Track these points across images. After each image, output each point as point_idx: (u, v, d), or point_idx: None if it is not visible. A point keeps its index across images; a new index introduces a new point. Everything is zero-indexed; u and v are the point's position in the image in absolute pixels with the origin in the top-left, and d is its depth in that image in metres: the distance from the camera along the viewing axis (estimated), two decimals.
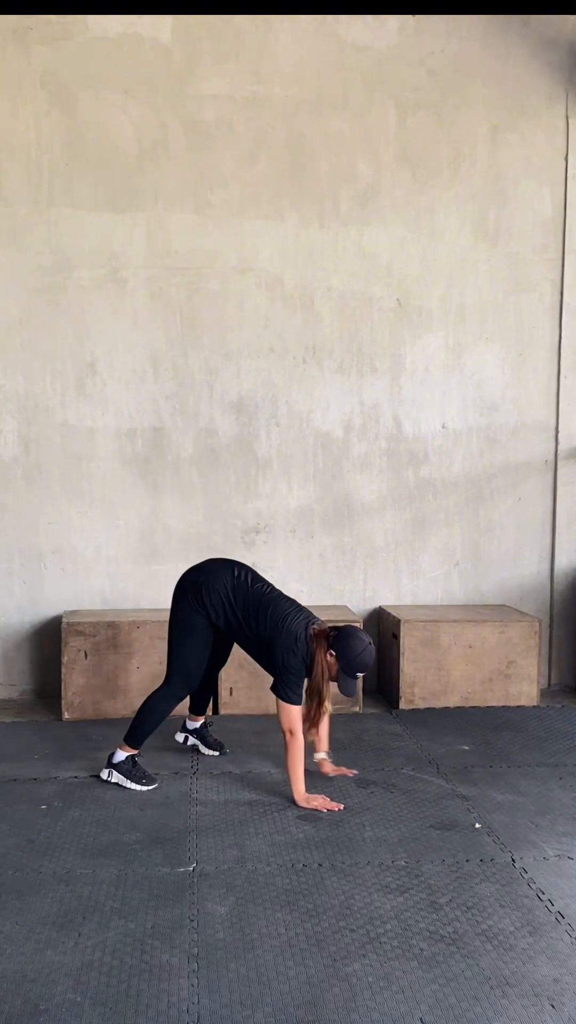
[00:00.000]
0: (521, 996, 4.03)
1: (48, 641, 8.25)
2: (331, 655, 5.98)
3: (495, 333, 8.69)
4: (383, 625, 8.50)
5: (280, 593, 6.35)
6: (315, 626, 6.10)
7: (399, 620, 8.05)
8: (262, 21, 8.21)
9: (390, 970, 4.20)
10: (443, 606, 8.71)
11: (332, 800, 6.01)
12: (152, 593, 8.38)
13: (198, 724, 7.00)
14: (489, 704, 8.10)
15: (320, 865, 5.19)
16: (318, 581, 8.61)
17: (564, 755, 6.99)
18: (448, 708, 8.01)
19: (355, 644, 5.96)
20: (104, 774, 6.36)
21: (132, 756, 6.36)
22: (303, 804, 5.97)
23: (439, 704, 8.03)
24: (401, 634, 7.98)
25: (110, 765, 6.35)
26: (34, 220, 8.08)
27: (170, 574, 8.28)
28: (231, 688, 7.84)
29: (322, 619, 6.26)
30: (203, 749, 6.92)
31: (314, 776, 6.40)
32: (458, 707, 8.04)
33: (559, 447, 8.79)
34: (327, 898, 4.83)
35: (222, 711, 7.81)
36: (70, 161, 8.08)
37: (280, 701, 6.04)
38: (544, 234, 8.66)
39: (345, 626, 6.11)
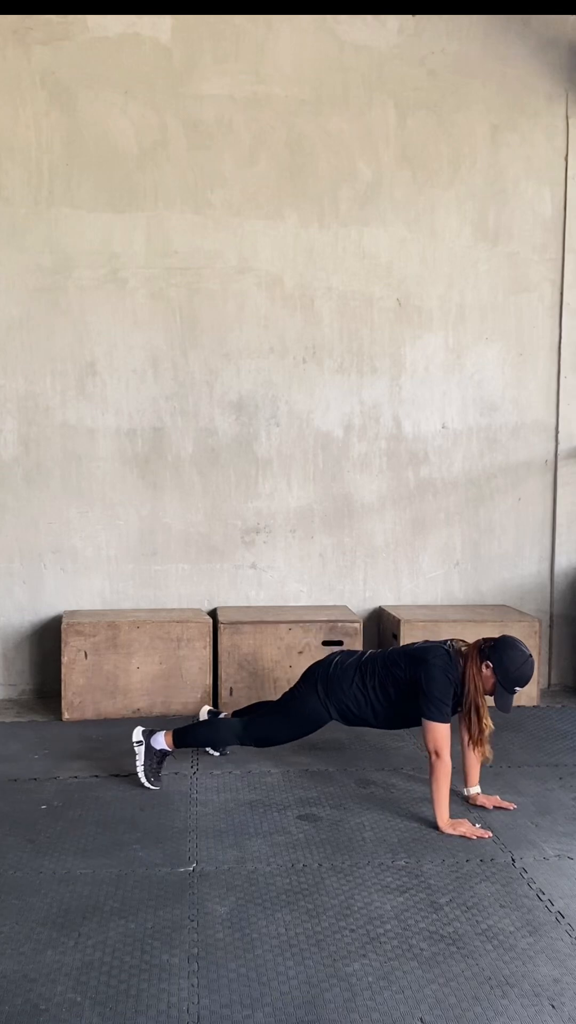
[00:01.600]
0: (521, 996, 4.04)
1: (48, 641, 8.24)
2: (487, 667, 5.69)
3: (495, 333, 8.69)
4: (383, 625, 8.50)
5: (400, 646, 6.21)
6: (462, 641, 5.90)
7: (399, 620, 8.05)
8: (262, 21, 8.20)
9: (390, 970, 4.20)
10: (443, 606, 8.71)
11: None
12: (152, 593, 8.38)
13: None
14: (490, 704, 8.07)
15: (320, 865, 5.20)
16: (318, 581, 8.61)
17: (564, 755, 7.00)
18: None
19: (516, 655, 5.68)
20: (137, 734, 6.23)
21: (166, 752, 6.26)
22: (448, 831, 5.62)
23: None
24: (401, 634, 7.97)
25: (147, 739, 6.23)
26: (34, 220, 8.08)
27: (170, 574, 8.37)
28: (231, 688, 7.84)
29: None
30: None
31: (313, 777, 6.41)
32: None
33: (559, 447, 8.79)
34: (327, 898, 4.84)
35: (222, 712, 7.81)
36: (70, 161, 8.08)
37: (427, 722, 5.69)
38: (544, 234, 8.66)
39: (503, 636, 5.83)
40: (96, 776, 6.43)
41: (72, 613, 8.10)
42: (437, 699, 5.68)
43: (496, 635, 5.91)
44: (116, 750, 6.85)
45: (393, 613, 8.27)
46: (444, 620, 8.10)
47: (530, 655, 5.72)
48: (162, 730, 6.32)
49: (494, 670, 5.67)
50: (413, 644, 6.13)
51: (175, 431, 8.35)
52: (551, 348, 8.73)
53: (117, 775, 6.38)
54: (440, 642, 5.94)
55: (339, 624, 7.94)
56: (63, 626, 7.73)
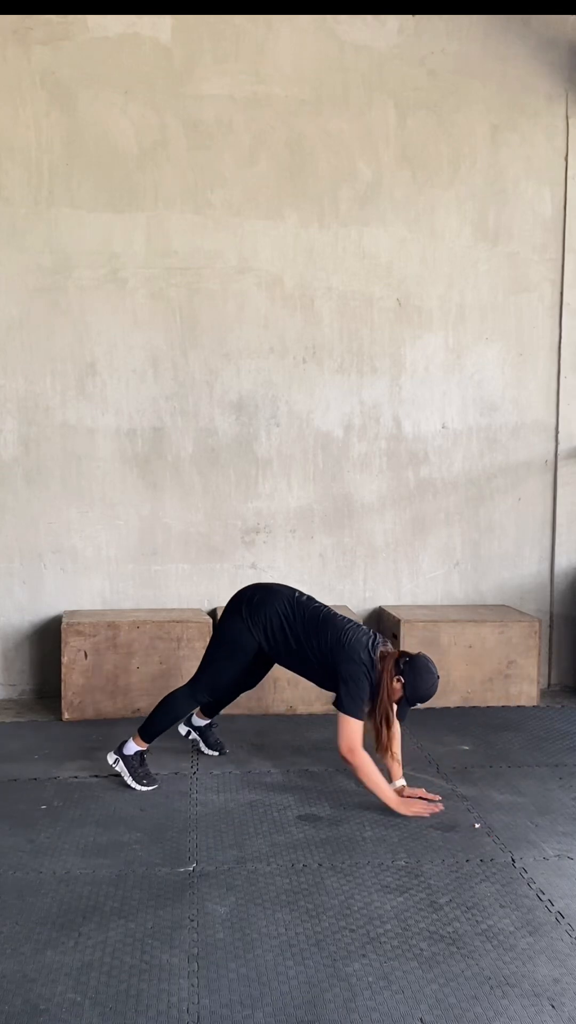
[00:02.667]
0: (521, 996, 4.03)
1: (48, 641, 8.24)
2: (399, 681, 5.86)
3: (495, 333, 8.69)
4: (383, 625, 8.49)
5: (336, 612, 6.28)
6: (383, 647, 6.00)
7: (399, 620, 8.06)
8: (262, 21, 8.20)
9: (390, 970, 4.20)
10: (443, 606, 8.71)
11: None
12: (152, 593, 8.39)
13: (204, 723, 6.99)
14: (489, 704, 8.11)
15: (320, 865, 5.20)
16: (318, 581, 8.61)
17: (564, 755, 7.00)
18: (448, 708, 8.01)
19: (427, 677, 5.86)
20: (111, 759, 6.33)
21: (142, 752, 6.32)
22: (405, 812, 5.84)
23: (439, 704, 8.00)
24: (401, 634, 7.98)
25: (119, 753, 6.32)
26: (34, 220, 8.08)
27: (170, 574, 8.36)
28: None
29: (385, 639, 6.14)
30: (203, 748, 6.92)
31: (313, 777, 6.41)
32: (458, 707, 8.04)
33: (559, 447, 8.79)
34: (327, 898, 4.84)
35: (222, 711, 7.79)
36: (70, 161, 8.08)
37: (342, 717, 5.86)
38: (544, 234, 8.66)
39: (419, 655, 5.96)
40: (96, 776, 6.43)
41: (72, 613, 8.10)
42: (356, 697, 5.87)
43: (414, 653, 6.03)
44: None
45: (393, 613, 8.27)
46: (444, 620, 8.10)
47: (438, 677, 5.92)
48: (128, 738, 6.37)
49: (404, 686, 5.86)
50: (342, 624, 6.10)
51: (175, 431, 8.35)
52: (551, 348, 8.73)
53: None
54: (366, 639, 6.00)
55: None
56: (63, 626, 7.73)
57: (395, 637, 8.06)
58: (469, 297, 8.64)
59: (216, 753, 6.87)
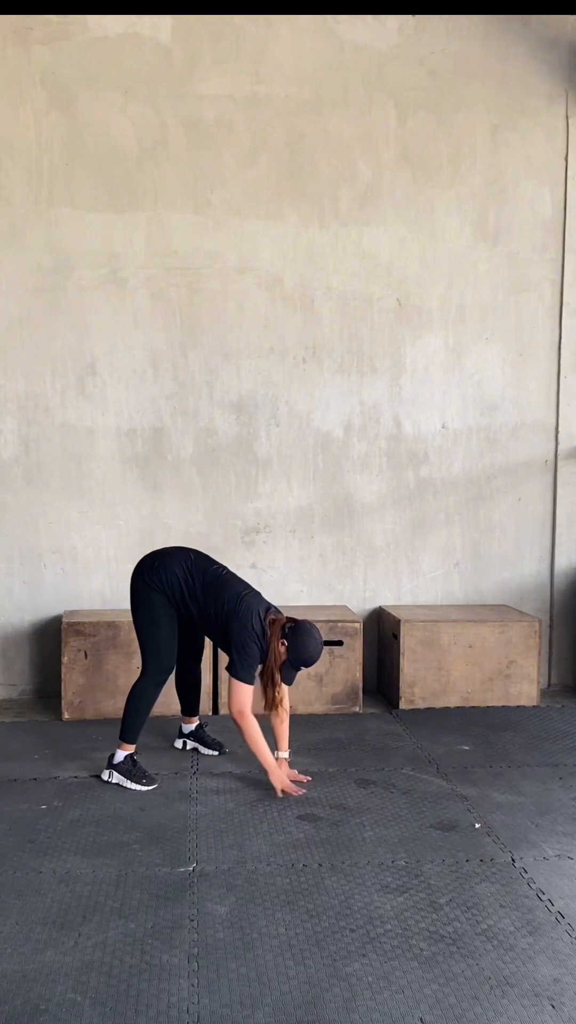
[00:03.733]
0: (521, 996, 4.03)
1: (48, 641, 8.25)
2: (283, 644, 6.11)
3: (495, 333, 8.69)
4: (383, 625, 8.50)
5: (235, 575, 6.52)
6: (272, 614, 6.26)
7: (399, 620, 8.05)
8: (262, 21, 8.21)
9: (390, 970, 4.20)
10: (443, 606, 8.71)
11: (302, 788, 6.28)
12: None
13: (193, 726, 7.01)
14: (489, 704, 8.10)
15: (320, 865, 5.20)
16: (318, 581, 8.61)
17: (564, 755, 6.99)
18: (448, 708, 8.01)
19: (309, 642, 6.10)
20: (105, 775, 6.37)
21: (131, 755, 6.37)
22: (275, 783, 6.17)
23: (439, 704, 8.03)
24: (401, 634, 7.98)
25: (110, 766, 6.37)
26: (34, 220, 8.08)
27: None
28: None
29: (277, 607, 6.42)
30: (203, 750, 6.93)
31: (313, 777, 6.41)
32: (458, 707, 8.04)
33: (559, 447, 8.79)
34: (327, 898, 4.83)
35: (222, 711, 7.80)
36: (70, 161, 8.08)
37: (233, 681, 6.16)
38: (544, 234, 8.66)
39: (303, 621, 6.21)
40: (96, 776, 6.42)
41: (72, 613, 8.09)
42: (247, 663, 6.16)
43: (299, 619, 6.27)
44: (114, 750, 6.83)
45: (393, 613, 8.27)
46: (444, 620, 8.10)
47: (320, 641, 6.19)
48: (113, 751, 6.48)
49: (288, 649, 6.11)
50: (238, 590, 6.36)
51: (175, 431, 8.35)
52: (551, 348, 8.73)
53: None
54: (258, 606, 6.27)
55: (339, 624, 7.93)
56: (63, 626, 7.73)
57: (395, 637, 8.06)
58: (469, 297, 8.64)
59: (216, 752, 6.88)
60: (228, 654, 6.29)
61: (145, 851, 5.36)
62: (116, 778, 6.32)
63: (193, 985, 4.07)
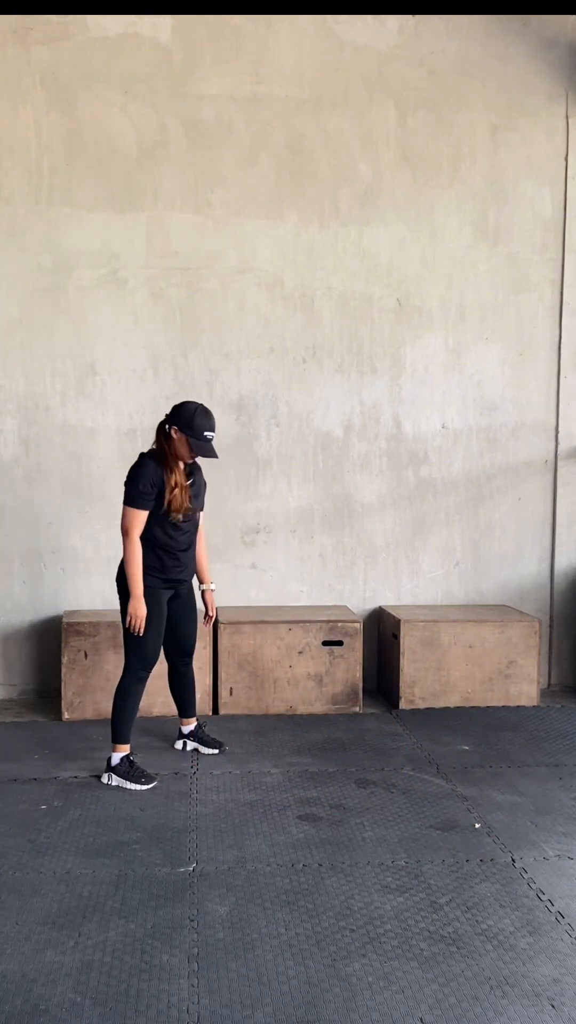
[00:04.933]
0: (521, 996, 4.02)
1: (48, 641, 8.25)
2: (174, 431, 6.28)
3: (495, 333, 8.68)
4: (383, 625, 8.50)
5: None
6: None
7: (399, 620, 8.05)
8: (262, 21, 8.20)
9: (390, 970, 4.19)
10: (443, 606, 8.70)
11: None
12: None
13: (192, 727, 7.01)
14: (489, 704, 8.10)
15: (320, 865, 5.19)
16: (318, 581, 8.61)
17: (564, 755, 6.99)
18: (448, 708, 8.01)
19: (186, 407, 6.31)
20: (104, 778, 6.38)
21: (127, 756, 6.39)
22: (132, 608, 6.28)
23: (439, 704, 8.03)
24: (401, 634, 7.97)
25: (109, 769, 6.39)
26: (34, 220, 8.08)
27: None
28: (231, 688, 7.84)
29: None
30: (204, 750, 6.92)
31: (313, 777, 6.42)
32: (458, 707, 8.04)
33: (559, 447, 8.79)
34: (327, 898, 4.83)
35: (222, 711, 7.81)
36: (70, 161, 8.08)
37: (123, 506, 6.33)
38: (544, 234, 8.66)
39: (176, 404, 6.46)
40: (96, 776, 6.42)
41: (72, 613, 8.09)
42: (132, 483, 6.31)
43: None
44: None
45: (393, 613, 8.27)
46: (444, 620, 8.10)
47: (199, 405, 6.36)
48: (109, 755, 6.52)
49: (180, 429, 6.27)
50: None
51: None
52: (551, 348, 8.73)
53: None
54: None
55: (339, 624, 7.93)
56: (63, 626, 7.72)
57: (395, 637, 8.06)
58: (469, 297, 8.64)
59: (216, 751, 6.88)
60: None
61: (145, 851, 5.35)
62: (115, 780, 6.33)
63: (193, 985, 4.06)
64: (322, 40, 8.29)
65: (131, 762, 6.38)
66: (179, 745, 7.02)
